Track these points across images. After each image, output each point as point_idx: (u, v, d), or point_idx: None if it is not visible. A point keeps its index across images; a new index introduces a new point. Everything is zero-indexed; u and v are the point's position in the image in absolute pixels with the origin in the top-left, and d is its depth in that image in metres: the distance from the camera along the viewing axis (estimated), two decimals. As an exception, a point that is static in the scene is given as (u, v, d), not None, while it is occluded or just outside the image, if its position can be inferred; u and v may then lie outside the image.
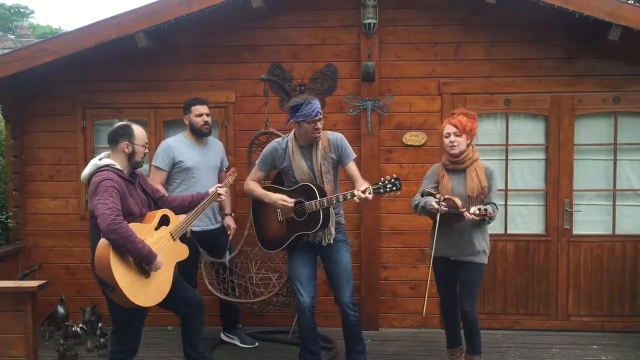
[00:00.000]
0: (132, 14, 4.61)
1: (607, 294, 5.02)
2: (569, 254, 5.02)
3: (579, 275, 5.03)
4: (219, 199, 3.82)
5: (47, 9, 62.49)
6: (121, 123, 3.49)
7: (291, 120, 3.78)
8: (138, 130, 3.39)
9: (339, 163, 3.87)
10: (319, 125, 3.72)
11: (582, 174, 5.01)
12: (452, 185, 3.78)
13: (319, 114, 3.70)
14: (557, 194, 4.99)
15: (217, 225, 4.56)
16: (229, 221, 4.63)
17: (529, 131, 5.06)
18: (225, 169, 4.66)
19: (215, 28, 5.01)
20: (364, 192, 3.49)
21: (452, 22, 4.96)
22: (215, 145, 4.66)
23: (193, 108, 4.42)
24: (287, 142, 3.86)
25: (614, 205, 5.01)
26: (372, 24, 4.82)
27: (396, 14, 4.96)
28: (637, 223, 5.02)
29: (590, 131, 5.01)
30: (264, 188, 3.95)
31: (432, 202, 3.66)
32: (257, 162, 4.02)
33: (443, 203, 3.62)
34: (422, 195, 3.82)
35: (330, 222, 3.74)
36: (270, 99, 4.68)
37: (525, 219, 5.09)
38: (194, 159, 4.40)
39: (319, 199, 3.64)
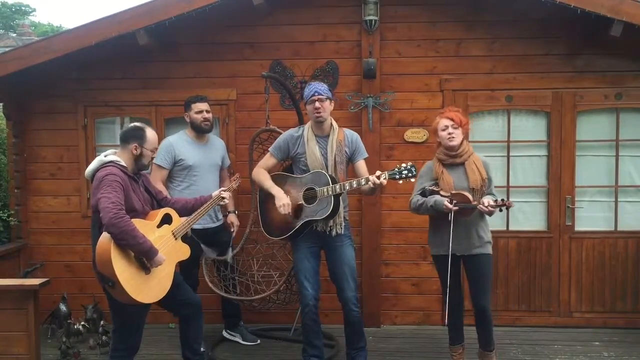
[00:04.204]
0: (133, 12, 4.61)
1: (609, 290, 5.02)
2: (571, 250, 5.02)
3: (581, 271, 5.02)
4: (222, 203, 3.82)
5: (49, 7, 62.61)
6: (136, 124, 3.44)
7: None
8: (151, 135, 3.38)
9: (350, 160, 3.90)
10: (318, 105, 3.74)
11: (584, 171, 5.00)
12: (453, 180, 3.74)
13: (316, 94, 3.73)
14: (559, 191, 4.98)
15: (218, 224, 4.56)
16: (232, 218, 4.63)
17: (530, 128, 5.05)
18: (226, 167, 4.67)
19: (216, 25, 5.01)
20: (378, 177, 3.49)
21: (453, 19, 4.95)
22: (217, 143, 4.66)
23: (193, 105, 4.42)
24: (303, 130, 3.90)
25: (616, 201, 5.00)
26: (373, 21, 4.81)
27: (397, 10, 4.95)
28: (639, 219, 5.02)
29: (592, 127, 5.00)
30: (273, 176, 3.94)
31: (445, 201, 3.57)
32: (270, 149, 4.01)
33: (454, 200, 3.56)
34: (425, 194, 3.73)
35: (340, 210, 3.74)
36: (271, 96, 4.67)
37: (527, 215, 5.09)
38: (195, 157, 4.40)
39: (331, 185, 3.62)
